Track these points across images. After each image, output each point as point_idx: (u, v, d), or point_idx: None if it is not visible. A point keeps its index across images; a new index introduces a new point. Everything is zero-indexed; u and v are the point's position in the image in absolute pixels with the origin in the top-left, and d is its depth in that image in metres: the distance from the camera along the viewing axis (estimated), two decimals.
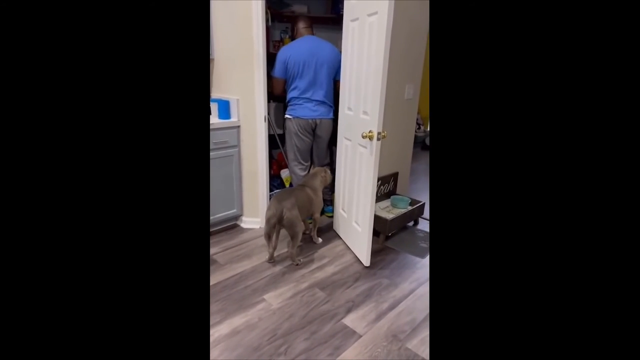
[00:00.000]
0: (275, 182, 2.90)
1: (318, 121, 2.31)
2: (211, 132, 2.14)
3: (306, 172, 2.49)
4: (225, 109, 2.26)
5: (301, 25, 2.32)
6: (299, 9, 2.80)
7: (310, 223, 2.28)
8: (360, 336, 1.50)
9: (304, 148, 2.41)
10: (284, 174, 2.93)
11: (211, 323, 1.54)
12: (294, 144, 2.40)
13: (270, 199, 2.47)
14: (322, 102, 2.29)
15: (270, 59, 2.32)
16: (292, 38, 2.42)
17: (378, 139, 1.75)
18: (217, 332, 1.50)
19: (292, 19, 2.42)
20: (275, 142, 2.73)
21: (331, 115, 2.36)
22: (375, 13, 1.65)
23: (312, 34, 2.34)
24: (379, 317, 1.61)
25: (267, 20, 2.34)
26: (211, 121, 2.18)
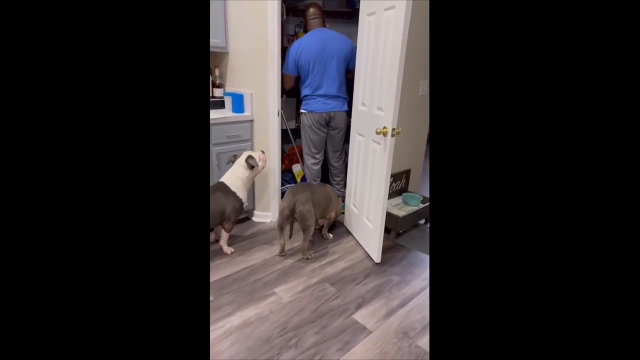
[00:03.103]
0: (286, 176, 2.91)
1: (332, 114, 2.32)
2: (224, 126, 2.16)
3: (319, 165, 2.50)
4: (239, 103, 2.27)
5: (310, 17, 2.29)
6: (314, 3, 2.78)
7: (322, 219, 2.28)
8: (371, 332, 1.50)
9: (317, 141, 2.42)
10: (296, 168, 2.93)
11: (223, 314, 1.57)
12: (308, 137, 2.42)
13: (281, 193, 2.49)
14: (335, 96, 2.29)
15: (285, 53, 2.32)
16: (305, 31, 2.40)
17: (392, 135, 1.73)
18: (229, 323, 1.52)
19: (303, 12, 2.39)
20: (287, 137, 2.74)
21: (345, 108, 2.35)
22: (393, 7, 1.63)
23: (323, 26, 2.31)
24: (389, 314, 1.61)
25: (281, 15, 2.33)
26: (224, 115, 2.19)
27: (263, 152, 2.09)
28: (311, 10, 2.30)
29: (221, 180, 1.98)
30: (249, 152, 2.02)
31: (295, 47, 2.25)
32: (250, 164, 1.97)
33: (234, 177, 1.98)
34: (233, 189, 1.96)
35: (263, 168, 2.09)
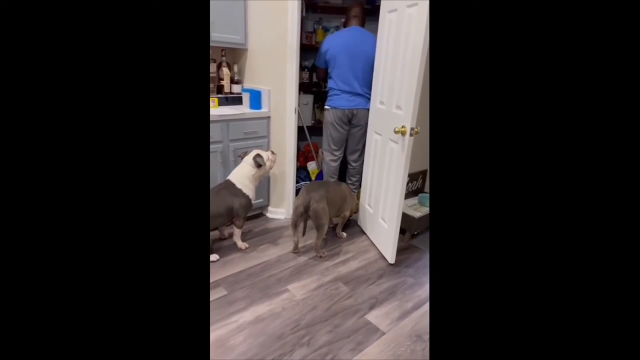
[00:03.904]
0: (301, 174, 2.91)
1: (355, 111, 2.30)
2: (242, 122, 2.17)
3: (337, 162, 2.48)
4: (256, 100, 2.27)
5: (351, 14, 2.32)
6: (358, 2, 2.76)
7: (337, 217, 2.27)
8: (384, 334, 1.48)
9: (338, 138, 2.41)
10: (311, 166, 2.93)
11: (236, 309, 1.58)
12: (329, 133, 2.41)
13: (295, 190, 2.49)
14: (359, 94, 2.28)
15: (303, 50, 2.31)
16: (345, 26, 2.42)
17: (411, 135, 1.70)
18: (242, 318, 1.53)
19: (345, 8, 2.43)
20: (303, 134, 2.73)
21: (369, 106, 2.33)
22: (416, 4, 1.60)
23: (361, 25, 2.31)
24: (402, 316, 1.59)
25: (301, 11, 2.32)
26: (242, 111, 2.20)
27: (273, 152, 2.08)
28: (354, 9, 2.32)
29: (228, 178, 1.98)
30: (258, 151, 2.00)
31: (327, 41, 2.28)
32: (258, 162, 1.95)
33: (240, 174, 1.97)
34: (239, 186, 1.95)
35: (271, 168, 2.08)
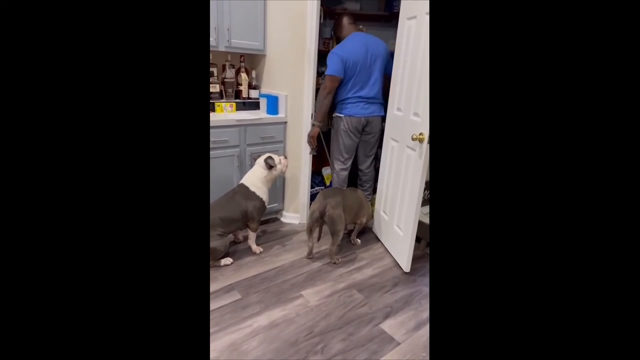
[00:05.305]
0: (316, 179, 2.91)
1: (370, 119, 2.27)
2: (259, 127, 2.20)
3: (347, 171, 2.46)
4: (273, 105, 2.29)
5: (347, 22, 2.28)
6: (352, 6, 2.78)
7: (351, 224, 2.25)
8: (399, 344, 1.46)
9: (350, 147, 2.37)
10: (326, 171, 2.93)
11: (250, 313, 1.58)
12: (341, 142, 2.36)
13: (310, 195, 2.49)
14: (374, 101, 2.26)
15: (320, 56, 2.32)
16: (336, 36, 2.38)
17: (429, 142, 1.69)
18: (257, 322, 1.53)
19: (337, 17, 2.39)
20: (318, 139, 2.73)
21: (382, 113, 2.30)
22: None
23: (360, 30, 2.30)
24: (418, 326, 1.56)
25: (319, 18, 2.34)
26: (259, 116, 2.23)
27: (285, 157, 2.12)
28: (349, 17, 2.31)
29: (241, 181, 2.01)
30: (269, 154, 2.04)
31: (340, 50, 2.19)
32: (269, 164, 1.99)
33: (253, 177, 2.00)
34: (253, 189, 1.97)
35: (282, 172, 2.11)
